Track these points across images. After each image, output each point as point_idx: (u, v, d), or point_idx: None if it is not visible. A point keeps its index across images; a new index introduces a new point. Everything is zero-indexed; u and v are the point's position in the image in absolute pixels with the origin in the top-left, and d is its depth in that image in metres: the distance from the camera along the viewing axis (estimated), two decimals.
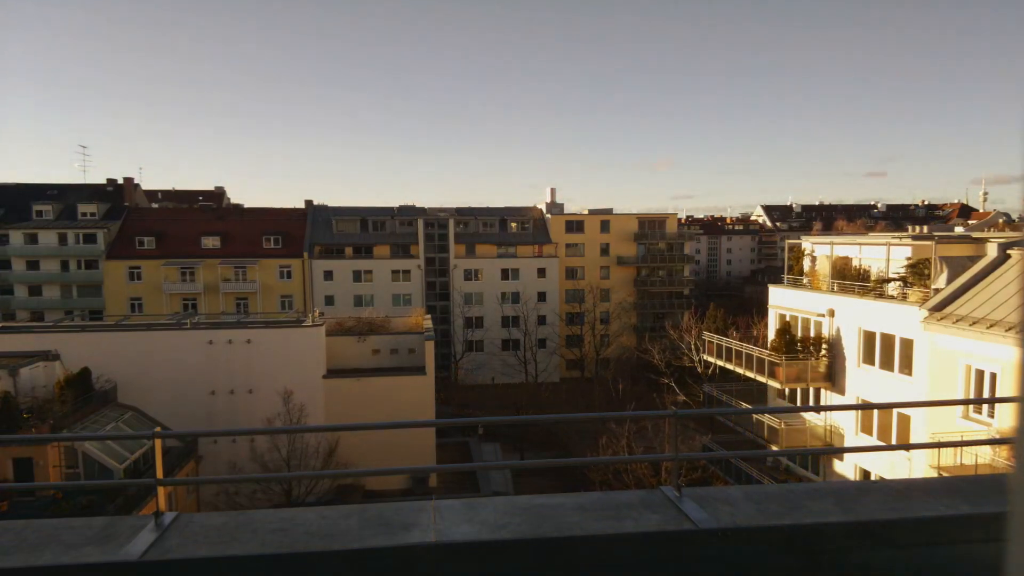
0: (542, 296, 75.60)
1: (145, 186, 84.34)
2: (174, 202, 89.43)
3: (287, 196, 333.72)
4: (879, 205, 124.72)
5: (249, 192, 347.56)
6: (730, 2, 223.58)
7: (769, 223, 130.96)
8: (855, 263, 30.01)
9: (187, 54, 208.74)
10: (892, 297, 25.97)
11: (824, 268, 30.53)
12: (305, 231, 73.21)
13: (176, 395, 37.10)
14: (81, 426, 31.54)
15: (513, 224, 78.65)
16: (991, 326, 19.96)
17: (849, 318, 27.03)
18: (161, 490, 4.36)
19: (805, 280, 31.74)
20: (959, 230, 38.50)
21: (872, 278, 28.13)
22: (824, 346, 28.32)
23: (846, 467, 27.71)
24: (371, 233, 75.05)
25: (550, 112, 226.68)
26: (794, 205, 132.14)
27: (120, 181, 75.99)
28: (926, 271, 24.97)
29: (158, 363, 37.65)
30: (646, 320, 79.08)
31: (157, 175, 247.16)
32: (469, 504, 4.15)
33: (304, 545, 3.68)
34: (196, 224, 72.32)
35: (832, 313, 27.88)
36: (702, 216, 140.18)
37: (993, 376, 20.29)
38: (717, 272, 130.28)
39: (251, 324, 42.44)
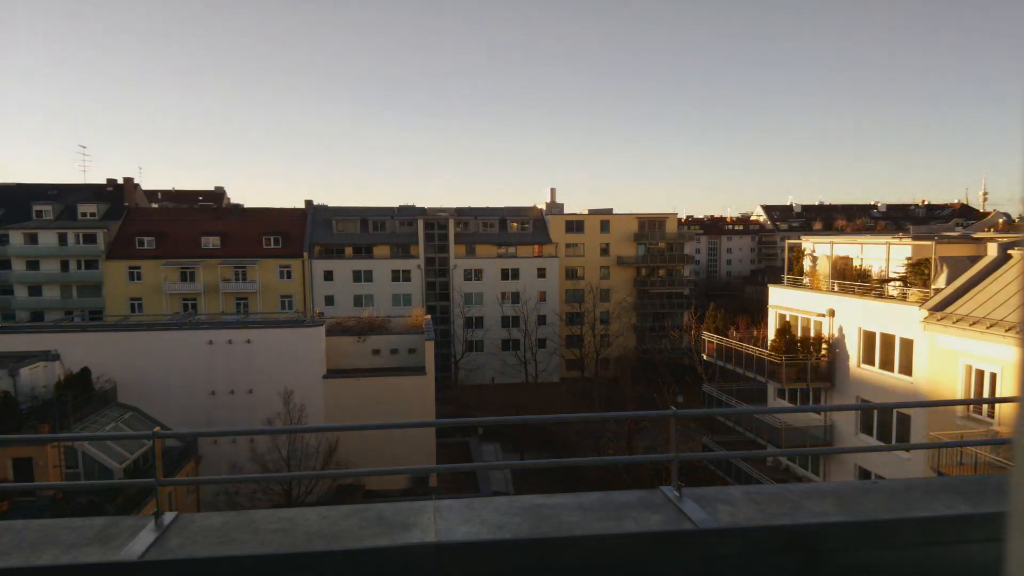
0: (542, 296, 75.63)
1: (145, 186, 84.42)
2: (174, 202, 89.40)
3: (287, 196, 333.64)
4: (879, 205, 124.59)
5: (249, 192, 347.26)
6: (730, 1, 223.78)
7: (769, 223, 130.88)
8: (855, 263, 30.00)
9: (187, 54, 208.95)
10: (892, 297, 25.98)
11: (824, 268, 30.53)
12: (305, 231, 73.21)
13: (176, 395, 37.13)
14: (81, 426, 31.57)
15: (513, 224, 78.66)
16: (991, 326, 19.96)
17: (849, 318, 27.02)
18: (161, 490, 4.37)
19: (805, 280, 31.73)
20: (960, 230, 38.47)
21: (872, 278, 28.13)
22: (824, 346, 28.32)
23: (846, 467, 27.72)
24: (371, 233, 75.05)
25: (550, 112, 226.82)
26: (794, 205, 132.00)
27: (120, 181, 76.02)
28: (926, 271, 24.97)
29: (158, 363, 37.67)
30: (646, 320, 79.04)
31: (157, 175, 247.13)
32: (469, 504, 4.15)
33: (304, 545, 3.68)
34: (196, 224, 72.33)
35: (832, 313, 27.87)
36: (702, 216, 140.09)
37: (993, 376, 20.30)
38: (717, 272, 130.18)
39: (251, 324, 42.46)
